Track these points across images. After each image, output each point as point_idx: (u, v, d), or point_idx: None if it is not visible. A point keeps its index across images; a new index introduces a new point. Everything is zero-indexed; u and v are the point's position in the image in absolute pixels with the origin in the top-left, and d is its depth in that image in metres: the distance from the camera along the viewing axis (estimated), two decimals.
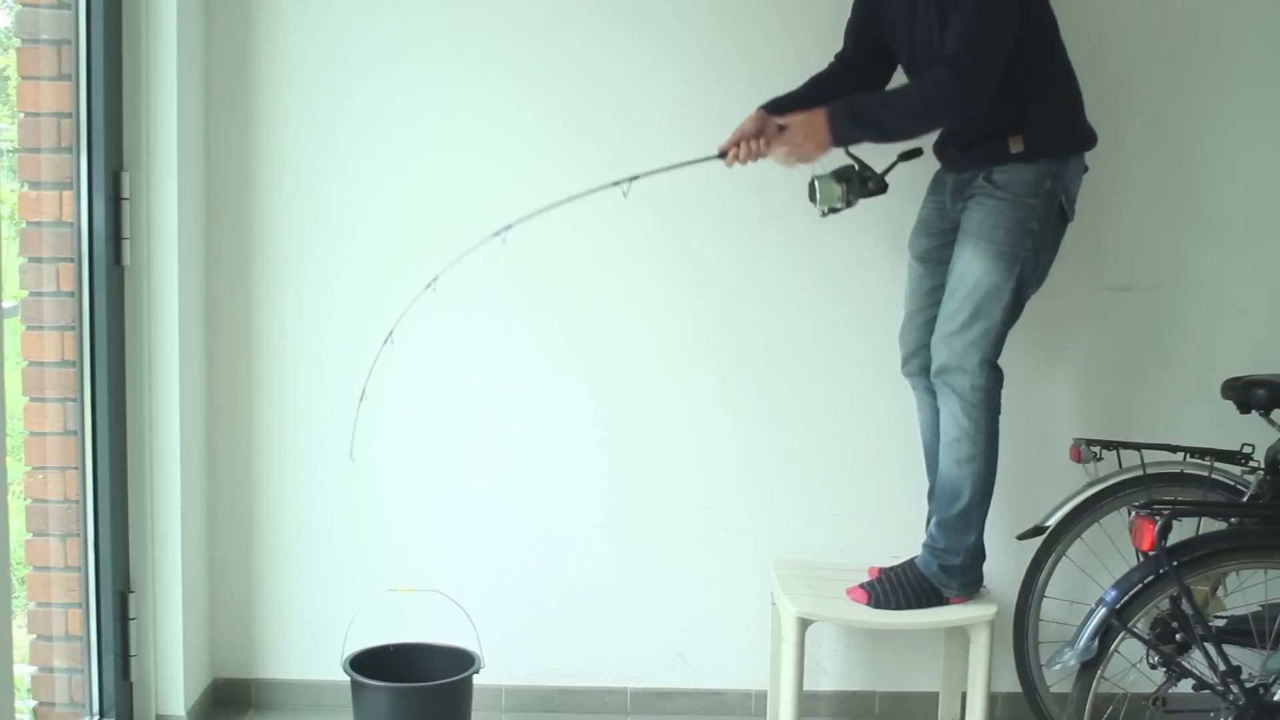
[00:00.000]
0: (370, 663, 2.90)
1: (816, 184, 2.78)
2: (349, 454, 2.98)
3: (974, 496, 2.79)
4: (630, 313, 3.19)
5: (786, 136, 2.71)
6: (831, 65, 2.91)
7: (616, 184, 2.76)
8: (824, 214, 2.81)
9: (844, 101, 2.69)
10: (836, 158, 2.77)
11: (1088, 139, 2.78)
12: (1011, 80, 2.65)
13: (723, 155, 2.77)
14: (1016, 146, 2.67)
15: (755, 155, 2.74)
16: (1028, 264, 2.70)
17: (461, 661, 2.94)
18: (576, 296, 3.19)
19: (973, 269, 2.72)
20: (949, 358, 2.76)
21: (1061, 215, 2.74)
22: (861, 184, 2.78)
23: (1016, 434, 3.08)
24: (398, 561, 3.20)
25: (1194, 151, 3.17)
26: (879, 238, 3.14)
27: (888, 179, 2.79)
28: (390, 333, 2.85)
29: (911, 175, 2.94)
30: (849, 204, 2.79)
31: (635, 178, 2.76)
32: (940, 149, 2.86)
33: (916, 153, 2.83)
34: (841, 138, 2.68)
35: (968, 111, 2.65)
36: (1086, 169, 2.80)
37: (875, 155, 2.80)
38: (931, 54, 2.66)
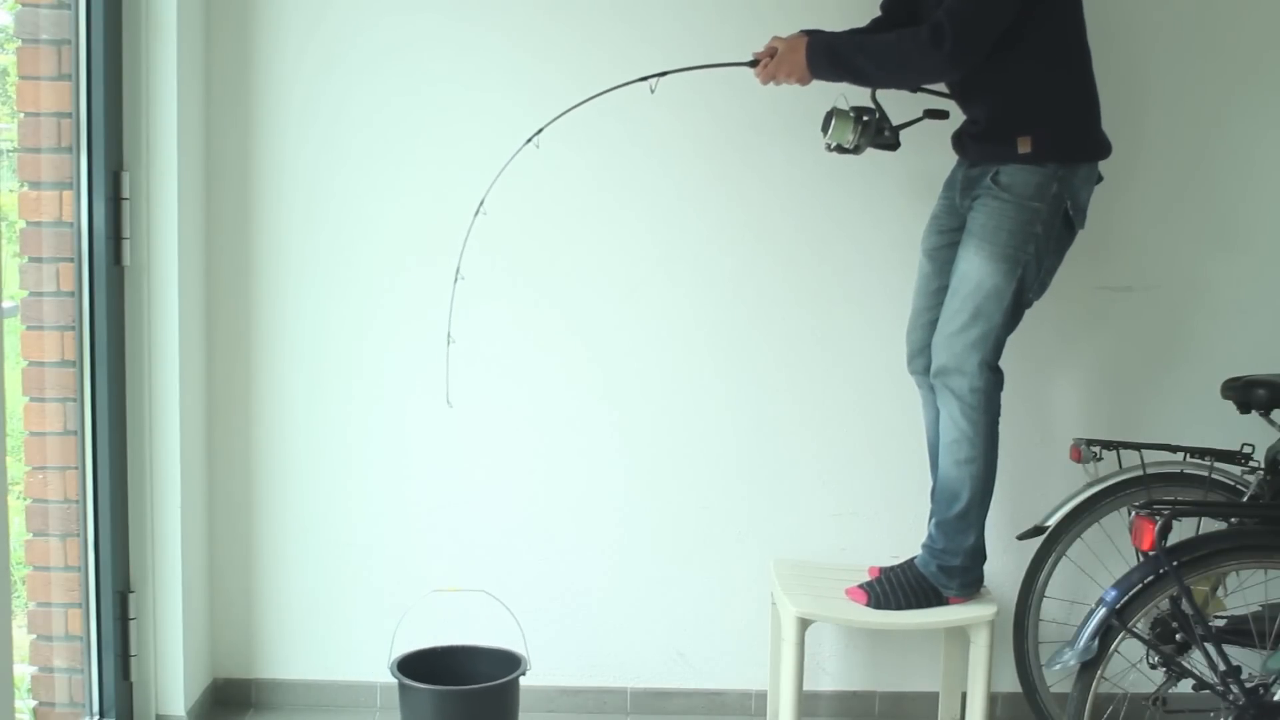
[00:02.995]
0: (416, 664, 2.88)
1: (834, 117, 2.79)
2: (446, 400, 2.96)
3: (973, 498, 2.78)
4: (630, 311, 3.19)
5: (774, 59, 2.73)
6: (869, 24, 2.92)
7: (645, 79, 2.77)
8: (828, 148, 2.83)
9: (826, 38, 2.71)
10: (862, 97, 2.78)
11: (1100, 148, 2.77)
12: (1025, 79, 2.66)
13: (755, 63, 2.78)
14: (1024, 147, 2.67)
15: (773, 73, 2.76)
16: (1029, 267, 2.70)
17: (508, 663, 2.91)
18: (579, 294, 3.18)
19: (974, 270, 2.71)
20: (948, 359, 2.76)
21: (1068, 222, 2.73)
22: (877, 132, 2.78)
23: (1017, 434, 3.08)
24: (397, 562, 3.20)
25: (1198, 153, 3.17)
26: (883, 236, 3.14)
27: (902, 136, 2.79)
28: (458, 269, 2.85)
29: (922, 173, 2.94)
30: (856, 149, 2.80)
31: (664, 74, 2.78)
32: (957, 140, 2.86)
33: (942, 114, 2.83)
34: (817, 72, 2.70)
35: (937, 78, 2.73)
36: (1101, 178, 2.78)
37: (900, 108, 2.81)
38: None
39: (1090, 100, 2.75)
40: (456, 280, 2.86)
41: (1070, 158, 2.70)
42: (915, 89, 2.82)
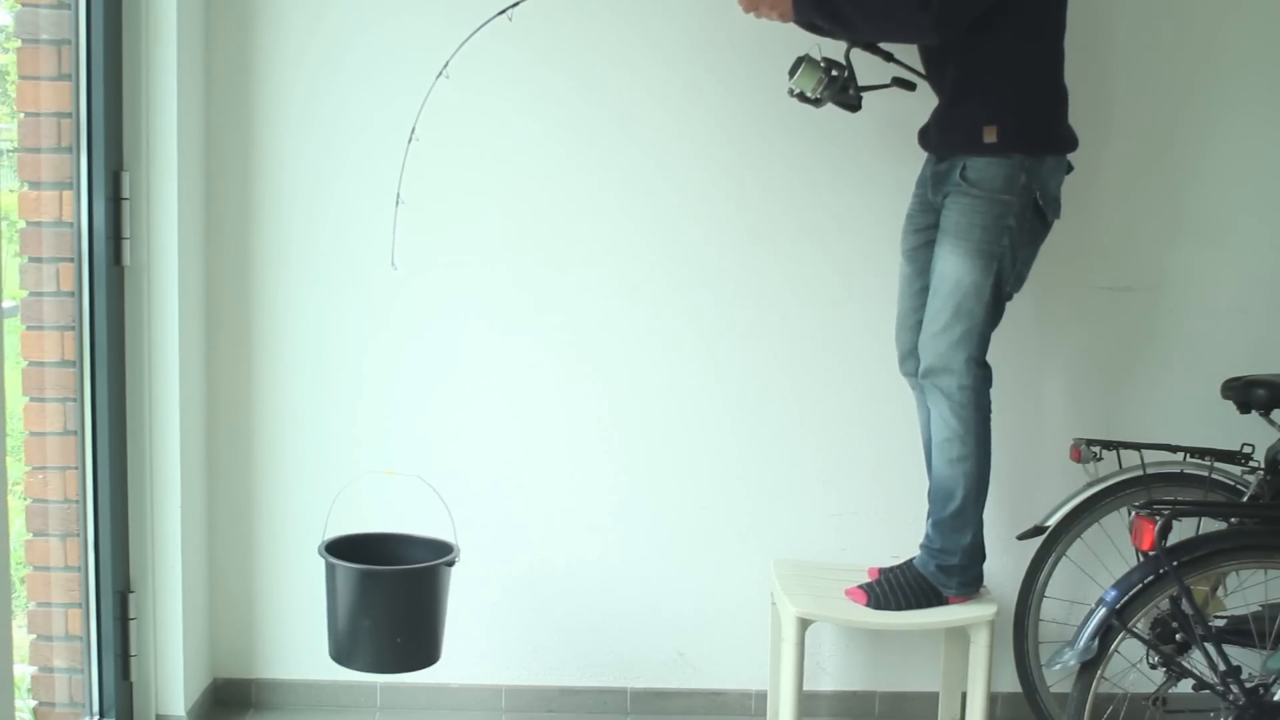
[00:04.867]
0: (347, 547, 2.89)
1: (803, 64, 2.76)
2: (390, 262, 2.95)
3: (968, 496, 2.78)
4: (630, 311, 3.19)
5: None
6: None
7: None
8: (790, 93, 2.80)
9: None
10: (837, 53, 2.77)
11: (1065, 142, 2.77)
12: (999, 62, 2.66)
13: None
14: (990, 136, 2.66)
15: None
16: (1005, 260, 2.70)
17: (441, 552, 2.91)
18: (578, 296, 3.18)
19: (952, 268, 2.72)
20: (934, 359, 2.75)
21: (1039, 213, 2.73)
22: (841, 89, 2.76)
23: (1016, 434, 3.09)
24: None
25: (1194, 151, 3.17)
26: (882, 235, 3.13)
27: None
28: (413, 129, 2.84)
29: (911, 171, 2.94)
30: (818, 100, 2.78)
31: None
32: (923, 134, 2.86)
33: (910, 85, 2.82)
34: (800, 11, 2.68)
35: (919, 38, 2.72)
36: (1071, 168, 2.79)
37: (871, 74, 2.80)
38: None
39: (1059, 95, 2.75)
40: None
41: (1035, 149, 2.70)
42: (889, 57, 2.80)
